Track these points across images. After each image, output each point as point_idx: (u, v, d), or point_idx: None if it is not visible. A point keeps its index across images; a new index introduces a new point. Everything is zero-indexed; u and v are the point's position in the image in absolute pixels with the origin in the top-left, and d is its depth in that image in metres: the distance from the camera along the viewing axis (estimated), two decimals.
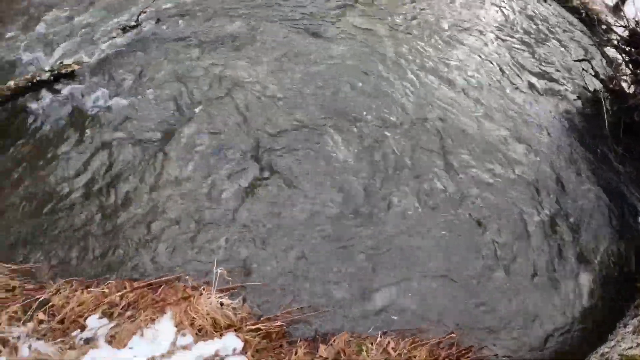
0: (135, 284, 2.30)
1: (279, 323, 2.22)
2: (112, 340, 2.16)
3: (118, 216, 2.73)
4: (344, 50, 4.05)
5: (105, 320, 2.24)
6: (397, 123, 3.54)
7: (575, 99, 4.67)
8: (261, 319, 2.22)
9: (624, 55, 4.68)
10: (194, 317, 2.07)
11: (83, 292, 2.40)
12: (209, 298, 2.12)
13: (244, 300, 2.25)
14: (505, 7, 5.75)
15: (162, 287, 2.28)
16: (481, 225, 3.05)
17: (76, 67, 3.61)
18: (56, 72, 3.55)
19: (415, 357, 2.23)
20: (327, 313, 2.37)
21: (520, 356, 2.50)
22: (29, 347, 2.27)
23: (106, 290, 2.31)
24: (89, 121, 3.28)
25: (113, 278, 2.39)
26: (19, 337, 2.33)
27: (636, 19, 4.53)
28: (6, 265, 2.62)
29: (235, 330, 2.13)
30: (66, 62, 3.62)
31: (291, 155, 3.13)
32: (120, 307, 2.23)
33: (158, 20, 3.84)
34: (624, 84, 4.56)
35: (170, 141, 3.13)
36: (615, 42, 4.90)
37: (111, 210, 2.76)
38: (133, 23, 3.79)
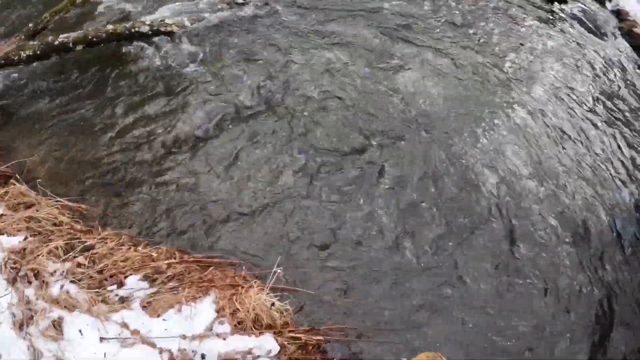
0: (186, 257, 2.19)
1: (319, 337, 2.05)
2: (147, 306, 2.04)
3: (192, 182, 2.66)
4: None
5: (145, 284, 2.13)
6: None
7: None
8: (302, 327, 2.06)
9: None
10: (237, 308, 1.93)
11: (130, 248, 2.31)
12: (259, 294, 1.97)
13: (295, 305, 2.08)
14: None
15: (211, 267, 2.16)
16: None
17: (175, 29, 3.64)
18: (156, 28, 3.60)
19: None
20: (370, 341, 2.17)
21: None
22: (61, 287, 2.18)
23: (154, 255, 2.21)
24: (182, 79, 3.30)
25: (165, 244, 2.28)
26: (53, 273, 2.25)
27: None
28: (58, 199, 2.57)
29: (275, 333, 1.96)
30: (167, 20, 3.66)
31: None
32: (165, 275, 2.12)
33: (266, 4, 3.83)
34: None
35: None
36: None
37: (187, 174, 2.69)
38: (240, 0, 3.81)
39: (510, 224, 2.90)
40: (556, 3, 6.35)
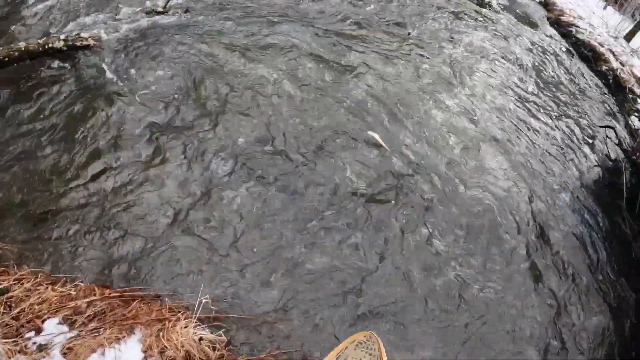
0: (107, 292, 2.04)
1: None
2: (68, 352, 1.90)
3: (107, 208, 2.49)
4: None
5: (65, 328, 1.97)
6: None
7: (595, 165, 4.52)
8: (240, 357, 1.97)
9: None
10: (165, 346, 1.82)
11: (48, 288, 2.14)
12: (186, 327, 1.87)
13: (226, 335, 1.98)
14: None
15: (135, 301, 2.02)
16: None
17: (92, 42, 3.41)
18: (71, 42, 3.36)
19: None
20: None
21: None
22: None
23: (73, 293, 2.05)
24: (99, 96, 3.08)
25: (83, 279, 2.12)
26: None
27: None
28: None
29: None
30: (83, 34, 3.42)
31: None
32: (85, 315, 1.97)
33: (187, 11, 3.65)
34: None
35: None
36: None
37: (101, 199, 2.52)
38: (160, 9, 3.61)
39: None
40: None
